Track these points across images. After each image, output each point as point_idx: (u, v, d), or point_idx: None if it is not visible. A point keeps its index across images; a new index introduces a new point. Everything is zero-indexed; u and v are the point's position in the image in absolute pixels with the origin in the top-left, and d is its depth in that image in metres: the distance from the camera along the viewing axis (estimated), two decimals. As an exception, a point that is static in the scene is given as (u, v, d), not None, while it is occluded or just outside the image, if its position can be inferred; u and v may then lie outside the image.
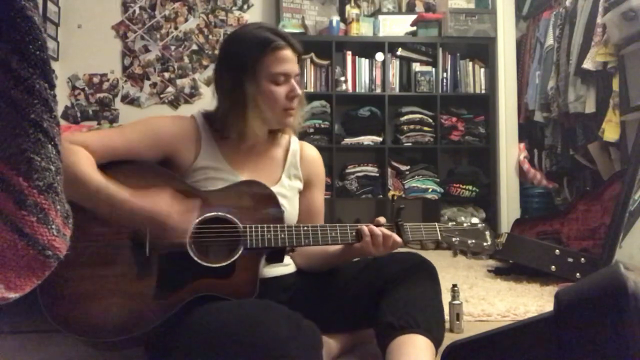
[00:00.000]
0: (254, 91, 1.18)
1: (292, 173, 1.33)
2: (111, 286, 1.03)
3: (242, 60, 1.18)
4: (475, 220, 1.32)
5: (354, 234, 1.20)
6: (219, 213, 1.12)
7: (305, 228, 1.16)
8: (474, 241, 1.28)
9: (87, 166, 1.03)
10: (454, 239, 1.27)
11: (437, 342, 1.09)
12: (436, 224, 1.28)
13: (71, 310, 1.00)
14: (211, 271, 1.07)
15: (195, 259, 1.06)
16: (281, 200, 1.22)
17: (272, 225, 1.13)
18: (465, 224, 1.30)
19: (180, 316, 1.00)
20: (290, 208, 1.27)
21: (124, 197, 1.03)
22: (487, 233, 1.30)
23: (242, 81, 1.17)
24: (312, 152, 1.39)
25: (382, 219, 1.23)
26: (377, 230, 1.17)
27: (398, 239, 1.19)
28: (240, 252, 1.09)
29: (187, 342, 0.95)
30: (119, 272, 1.04)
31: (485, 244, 1.28)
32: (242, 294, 1.08)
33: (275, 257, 1.18)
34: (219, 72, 1.24)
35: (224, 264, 1.08)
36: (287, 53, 1.19)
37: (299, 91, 1.21)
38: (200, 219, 1.10)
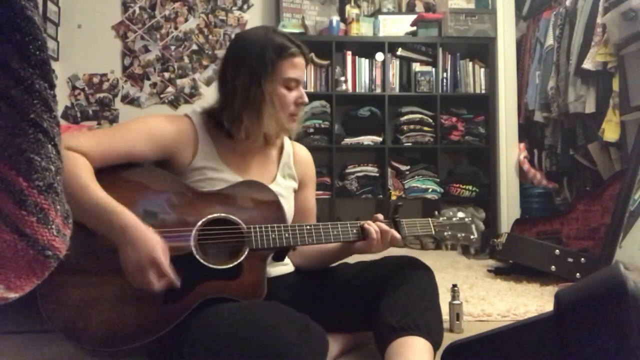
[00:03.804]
0: (271, 92, 1.19)
1: (287, 172, 1.34)
2: (118, 293, 0.99)
3: (262, 61, 1.19)
4: (461, 214, 1.38)
5: (355, 231, 1.20)
6: (222, 214, 1.11)
7: (309, 227, 1.17)
8: (463, 234, 1.34)
9: (85, 178, 0.99)
10: (445, 233, 1.33)
11: (436, 344, 1.09)
12: (429, 219, 1.33)
13: (77, 320, 0.97)
14: (218, 273, 1.06)
15: (202, 261, 1.05)
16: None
17: (276, 225, 1.13)
18: (454, 219, 1.36)
19: (187, 319, 0.99)
20: (287, 207, 1.27)
21: (120, 220, 0.97)
22: (473, 226, 1.36)
23: (260, 81, 1.18)
24: (305, 153, 1.42)
25: (380, 216, 1.25)
26: (384, 226, 1.20)
27: (397, 235, 1.21)
28: (246, 253, 1.09)
29: (195, 346, 0.95)
30: (123, 278, 0.99)
31: (472, 236, 1.35)
32: (251, 295, 1.07)
33: (278, 256, 1.18)
34: (231, 71, 1.21)
35: (231, 265, 1.07)
36: (301, 60, 1.24)
37: (306, 99, 1.26)
38: (203, 220, 1.09)
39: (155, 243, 0.97)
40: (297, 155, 1.38)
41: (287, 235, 1.13)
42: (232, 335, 0.91)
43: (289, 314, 0.97)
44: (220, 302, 1.03)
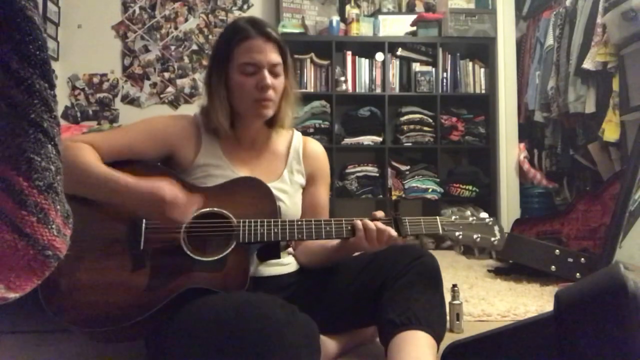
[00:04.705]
0: (226, 82, 1.20)
1: (295, 168, 1.32)
2: (105, 278, 1.05)
3: (218, 53, 1.21)
4: (483, 214, 1.24)
5: (349, 228, 1.16)
6: (214, 208, 1.13)
7: (299, 222, 1.16)
8: (480, 236, 1.19)
9: (91, 158, 1.07)
10: (457, 234, 1.18)
11: (438, 337, 1.08)
12: (437, 217, 1.22)
13: (66, 300, 1.02)
14: (203, 265, 1.08)
15: (188, 252, 1.08)
16: (281, 195, 1.22)
17: (265, 220, 1.13)
18: (471, 219, 1.22)
19: (177, 307, 1.02)
20: (291, 204, 1.27)
21: (127, 180, 1.05)
22: (496, 228, 1.21)
23: (217, 74, 1.20)
24: (316, 148, 1.38)
25: (379, 213, 1.20)
26: (371, 224, 1.13)
27: (393, 233, 1.14)
28: (232, 246, 1.10)
29: (184, 330, 0.96)
30: (113, 265, 1.06)
31: (493, 239, 1.19)
32: (233, 288, 1.08)
33: (270, 253, 1.18)
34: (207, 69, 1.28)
35: (215, 257, 1.09)
36: (256, 42, 1.17)
37: (269, 81, 1.17)
38: (195, 213, 1.10)
39: (167, 193, 1.03)
40: (307, 150, 1.35)
41: (275, 230, 1.13)
42: (221, 319, 0.92)
43: (275, 300, 0.97)
44: (206, 294, 1.04)
